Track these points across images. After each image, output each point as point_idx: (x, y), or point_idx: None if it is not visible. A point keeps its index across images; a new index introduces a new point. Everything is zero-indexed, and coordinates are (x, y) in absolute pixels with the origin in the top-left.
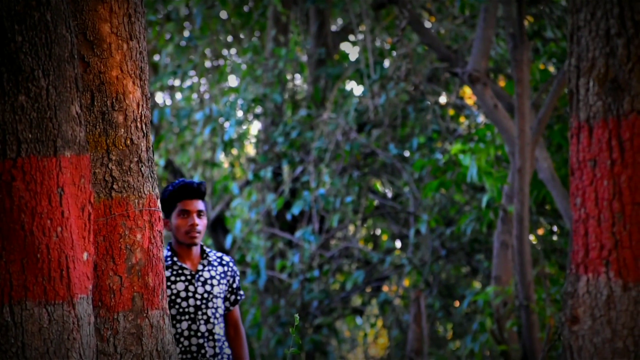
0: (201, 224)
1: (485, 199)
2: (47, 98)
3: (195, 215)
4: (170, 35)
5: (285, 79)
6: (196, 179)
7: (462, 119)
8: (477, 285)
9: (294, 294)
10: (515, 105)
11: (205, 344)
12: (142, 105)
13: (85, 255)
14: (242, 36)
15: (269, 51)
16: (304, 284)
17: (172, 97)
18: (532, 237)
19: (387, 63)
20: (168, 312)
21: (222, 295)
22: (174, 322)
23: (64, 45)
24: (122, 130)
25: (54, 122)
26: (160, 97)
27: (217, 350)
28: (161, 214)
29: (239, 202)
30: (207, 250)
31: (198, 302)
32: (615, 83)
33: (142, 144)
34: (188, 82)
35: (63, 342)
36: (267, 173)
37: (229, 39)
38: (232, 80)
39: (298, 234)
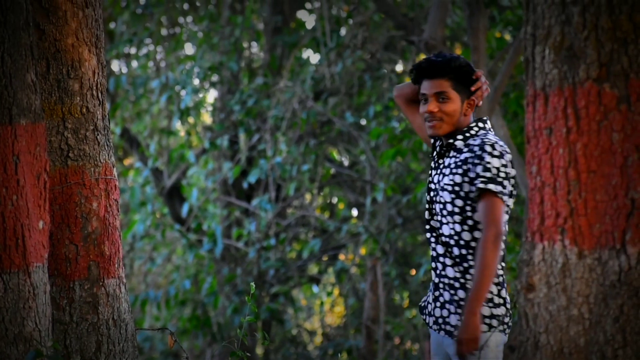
0: (444, 109)
1: None
2: (2, 66)
3: (433, 99)
4: (126, 2)
5: (242, 47)
6: (152, 147)
7: None
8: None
9: (250, 263)
10: None
11: (434, 246)
12: (98, 73)
13: (41, 223)
14: (198, 4)
15: (225, 19)
16: (261, 253)
17: (128, 65)
18: None
19: (343, 31)
20: (124, 280)
21: (449, 189)
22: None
23: (18, 13)
24: (78, 98)
25: (9, 90)
26: (116, 65)
27: (439, 265)
28: (117, 182)
29: (195, 171)
30: (475, 132)
31: (432, 193)
32: (571, 51)
33: (98, 112)
34: (144, 50)
35: (19, 311)
36: (224, 141)
37: (185, 6)
38: (189, 48)
39: (254, 202)
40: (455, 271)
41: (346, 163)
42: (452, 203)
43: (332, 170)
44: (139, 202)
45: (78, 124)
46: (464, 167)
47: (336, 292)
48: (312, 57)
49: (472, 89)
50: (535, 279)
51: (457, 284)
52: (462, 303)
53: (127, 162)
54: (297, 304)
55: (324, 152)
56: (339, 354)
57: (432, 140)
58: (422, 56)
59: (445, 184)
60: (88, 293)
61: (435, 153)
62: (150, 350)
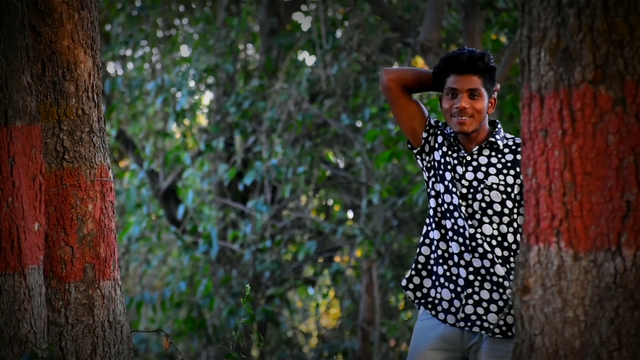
0: (475, 106)
1: None
2: None
3: (465, 95)
4: (121, 4)
5: (238, 49)
6: (148, 149)
7: None
8: None
9: (246, 265)
10: None
11: (465, 249)
12: (94, 75)
13: (36, 225)
14: (194, 6)
15: (221, 21)
16: (256, 255)
17: (124, 67)
18: None
19: (339, 33)
20: (120, 282)
21: (501, 189)
22: (437, 196)
23: (14, 15)
24: (74, 100)
25: (4, 92)
26: (111, 67)
27: (487, 263)
28: (112, 184)
29: (191, 173)
30: (502, 135)
31: (464, 190)
32: (567, 53)
33: (94, 114)
34: (140, 52)
35: (14, 313)
36: (219, 143)
37: (181, 8)
38: (184, 50)
39: (250, 204)
40: (504, 270)
41: (342, 165)
42: (502, 204)
43: (328, 172)
44: (135, 204)
45: (74, 126)
46: (517, 168)
47: (332, 294)
48: (308, 59)
49: (495, 89)
50: (530, 281)
51: (506, 283)
52: (510, 303)
53: (122, 164)
54: (292, 306)
55: (320, 154)
56: (335, 356)
57: (424, 135)
58: (418, 58)
59: (494, 183)
60: (83, 295)
61: (445, 148)
62: (146, 352)
